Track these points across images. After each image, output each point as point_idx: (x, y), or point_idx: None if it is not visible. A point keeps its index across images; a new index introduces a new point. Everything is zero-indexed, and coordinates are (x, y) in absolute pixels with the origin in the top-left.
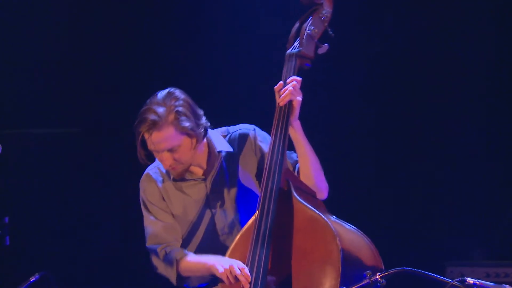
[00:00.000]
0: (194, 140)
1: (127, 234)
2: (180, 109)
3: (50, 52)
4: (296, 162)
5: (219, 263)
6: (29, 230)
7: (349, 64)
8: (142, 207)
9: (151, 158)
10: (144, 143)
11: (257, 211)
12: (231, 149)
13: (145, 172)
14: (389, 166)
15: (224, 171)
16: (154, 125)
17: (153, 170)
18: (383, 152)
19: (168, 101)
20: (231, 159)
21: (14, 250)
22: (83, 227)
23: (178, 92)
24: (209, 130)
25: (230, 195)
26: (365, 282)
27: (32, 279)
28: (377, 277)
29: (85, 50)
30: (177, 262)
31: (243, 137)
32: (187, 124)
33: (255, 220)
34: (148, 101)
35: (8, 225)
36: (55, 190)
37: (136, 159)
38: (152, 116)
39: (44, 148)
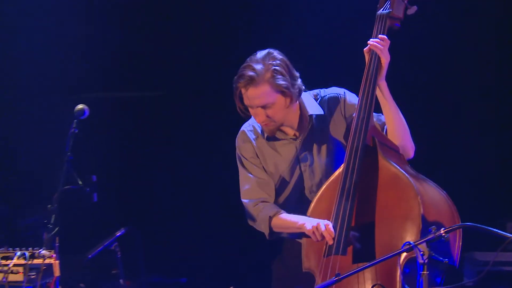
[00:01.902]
0: (288, 100)
1: (199, 187)
2: (277, 68)
3: (135, 18)
4: (384, 123)
5: (309, 222)
6: (115, 188)
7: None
8: (238, 162)
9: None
10: (241, 97)
11: (342, 166)
12: (322, 112)
13: (241, 130)
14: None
15: (314, 132)
16: (251, 81)
17: (248, 127)
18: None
19: (267, 60)
20: (322, 121)
21: (101, 206)
22: (166, 185)
23: (276, 53)
24: (303, 94)
25: (319, 155)
26: (430, 236)
27: (118, 233)
28: (442, 232)
29: (167, 16)
30: (270, 219)
31: (334, 100)
32: (282, 82)
33: (341, 175)
34: (248, 59)
35: (96, 183)
36: (138, 150)
37: (217, 121)
38: (250, 73)
39: (129, 111)
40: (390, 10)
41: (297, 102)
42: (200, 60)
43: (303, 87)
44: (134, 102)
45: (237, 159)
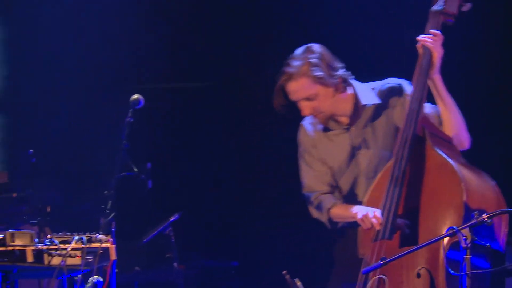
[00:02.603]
0: (329, 89)
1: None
2: (313, 60)
3: (187, 9)
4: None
5: (360, 211)
6: (169, 175)
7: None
8: (299, 156)
9: (288, 109)
10: (282, 94)
11: (393, 156)
12: (378, 101)
13: (300, 124)
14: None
15: (370, 122)
16: (290, 77)
17: (306, 121)
18: None
19: (304, 54)
20: (378, 110)
21: (156, 192)
22: (218, 171)
23: (315, 47)
24: (357, 83)
25: (375, 143)
26: (472, 222)
27: (172, 218)
28: (484, 217)
29: (218, 7)
30: (328, 210)
31: (392, 90)
32: (319, 73)
33: (392, 163)
34: (290, 56)
35: (150, 170)
36: (191, 138)
37: (269, 110)
38: (288, 69)
39: (182, 100)
40: (444, 6)
41: (349, 93)
42: (251, 50)
43: (351, 76)
44: (187, 92)
45: (298, 153)
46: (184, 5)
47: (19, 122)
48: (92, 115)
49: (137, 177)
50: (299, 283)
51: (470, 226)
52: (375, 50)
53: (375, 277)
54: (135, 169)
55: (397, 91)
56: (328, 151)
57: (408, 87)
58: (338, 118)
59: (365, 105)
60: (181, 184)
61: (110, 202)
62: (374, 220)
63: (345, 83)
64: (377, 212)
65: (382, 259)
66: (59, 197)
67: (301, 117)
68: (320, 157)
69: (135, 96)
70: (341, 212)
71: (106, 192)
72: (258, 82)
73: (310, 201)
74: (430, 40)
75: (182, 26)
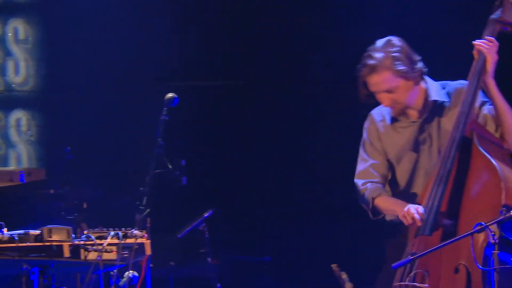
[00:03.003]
0: (409, 83)
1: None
2: (396, 54)
3: (222, 11)
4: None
5: (401, 207)
6: (203, 171)
7: None
8: (361, 144)
9: (372, 98)
10: (365, 85)
11: (441, 155)
12: (447, 100)
13: (369, 113)
14: None
15: (436, 118)
16: (373, 69)
17: (376, 111)
18: None
19: (386, 47)
20: (445, 108)
21: (190, 189)
22: (251, 168)
23: (395, 40)
24: (429, 79)
25: (438, 140)
26: (500, 218)
27: (206, 214)
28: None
29: (251, 6)
30: (373, 200)
31: (460, 91)
32: (402, 68)
33: (439, 163)
34: (368, 48)
35: (185, 167)
36: (224, 136)
37: (302, 107)
38: (370, 61)
39: (216, 98)
40: (501, 15)
41: (422, 87)
42: (284, 50)
43: (426, 69)
44: (221, 90)
45: (361, 141)
46: (218, 3)
47: (56, 120)
48: (127, 113)
49: (171, 174)
50: (345, 276)
51: (498, 222)
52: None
53: (416, 271)
54: (170, 166)
55: (463, 93)
56: (392, 142)
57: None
58: (408, 111)
59: (435, 101)
60: (215, 180)
61: (145, 198)
62: (416, 215)
63: (421, 76)
64: (420, 208)
65: (412, 254)
66: (95, 193)
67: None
68: (381, 148)
69: (170, 95)
70: (385, 204)
71: (141, 188)
72: (290, 81)
73: (359, 189)
74: (485, 46)
75: (216, 24)
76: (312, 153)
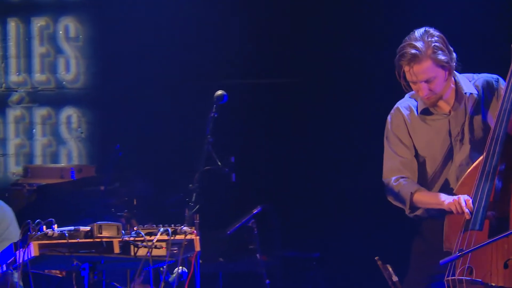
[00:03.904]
0: (447, 73)
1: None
2: (437, 44)
3: (270, 7)
4: None
5: (448, 197)
6: (252, 168)
7: None
8: (385, 138)
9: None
10: (404, 74)
11: (484, 152)
12: (475, 92)
13: (396, 106)
14: None
15: (468, 110)
16: (415, 58)
17: (403, 104)
18: None
19: (426, 37)
20: (475, 100)
21: (239, 185)
22: (299, 165)
23: (433, 30)
24: (457, 74)
25: (470, 132)
26: None
27: (255, 211)
28: None
29: (306, 6)
30: (412, 194)
31: (488, 84)
32: (443, 57)
33: (482, 159)
34: (407, 37)
35: (234, 164)
36: (273, 133)
37: (349, 105)
38: (412, 50)
39: (264, 96)
40: None
41: (454, 79)
42: (338, 47)
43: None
44: (270, 88)
45: (385, 136)
46: (269, 1)
47: (106, 117)
48: (177, 110)
49: (221, 171)
50: (390, 269)
51: None
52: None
53: (464, 267)
54: (219, 163)
55: (492, 85)
56: (423, 134)
57: (502, 83)
58: (440, 103)
59: (466, 93)
60: (264, 177)
61: (194, 195)
62: (466, 208)
63: (454, 68)
64: (470, 200)
65: (459, 251)
66: (145, 190)
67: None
68: (409, 142)
69: (219, 92)
70: (425, 198)
71: (191, 185)
72: (342, 79)
73: (391, 185)
74: None
75: (268, 22)
76: (363, 150)
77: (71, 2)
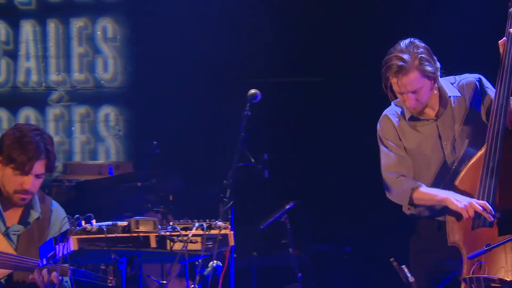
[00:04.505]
0: (432, 82)
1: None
2: (423, 55)
3: (304, 8)
4: None
5: (455, 198)
6: (285, 165)
7: None
8: (379, 142)
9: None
10: (391, 85)
11: (483, 148)
12: (459, 94)
13: (384, 114)
14: None
15: (453, 112)
16: (401, 70)
17: (391, 111)
18: None
19: (411, 48)
20: (459, 102)
21: (272, 182)
22: (330, 162)
23: (418, 41)
24: (439, 78)
25: (459, 133)
26: None
27: (288, 206)
28: None
29: (336, 5)
30: (412, 190)
31: (470, 84)
32: (429, 68)
33: (484, 156)
34: (392, 49)
35: (267, 161)
36: (304, 131)
37: (375, 103)
38: (399, 63)
39: (296, 94)
40: None
41: (437, 85)
42: (367, 46)
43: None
44: (301, 87)
45: (379, 139)
46: (300, 1)
47: (143, 115)
48: (212, 108)
49: (254, 167)
50: (406, 270)
51: None
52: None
53: (477, 264)
54: (253, 160)
55: (475, 85)
56: (414, 140)
57: (484, 81)
58: (426, 110)
59: (450, 96)
60: (296, 173)
61: (229, 191)
62: (484, 212)
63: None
64: (487, 204)
65: (487, 245)
66: (181, 186)
67: None
68: (402, 146)
69: (253, 91)
70: (426, 194)
71: (225, 181)
72: (372, 78)
73: (390, 182)
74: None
75: (298, 22)
76: None
77: (109, 4)
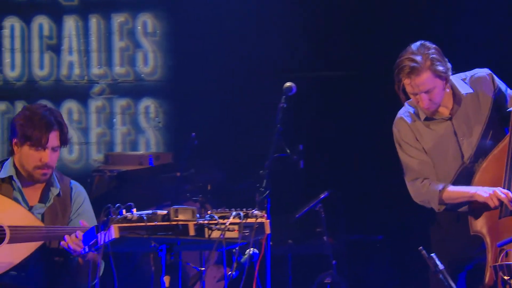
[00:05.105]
0: (444, 82)
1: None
2: (434, 56)
3: (337, 3)
4: None
5: (482, 190)
6: (320, 156)
7: None
8: (397, 146)
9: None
10: (403, 87)
11: (506, 138)
12: (471, 90)
13: (398, 116)
14: None
15: (467, 109)
16: (414, 71)
17: (405, 114)
18: None
19: (422, 50)
20: (473, 98)
21: (307, 172)
22: (364, 152)
23: (428, 43)
24: (451, 76)
25: (474, 128)
26: None
27: (322, 196)
28: None
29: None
30: (440, 192)
31: (482, 79)
32: (441, 68)
33: (508, 146)
34: (403, 52)
35: (302, 151)
36: (337, 122)
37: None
38: (412, 64)
39: (330, 88)
40: None
41: (450, 84)
42: (401, 39)
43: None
44: (335, 80)
45: (396, 143)
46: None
47: (182, 107)
48: (249, 101)
49: (290, 158)
50: (435, 258)
51: None
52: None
53: (505, 251)
54: (288, 151)
55: (486, 80)
56: (429, 139)
57: (494, 74)
58: (440, 109)
59: (463, 94)
60: (330, 164)
61: (265, 180)
62: (505, 199)
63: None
64: (510, 193)
65: None
66: (219, 176)
67: None
68: (421, 147)
69: (288, 84)
70: (454, 193)
71: (261, 171)
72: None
73: (417, 188)
74: None
75: (331, 17)
76: None
77: (148, 0)
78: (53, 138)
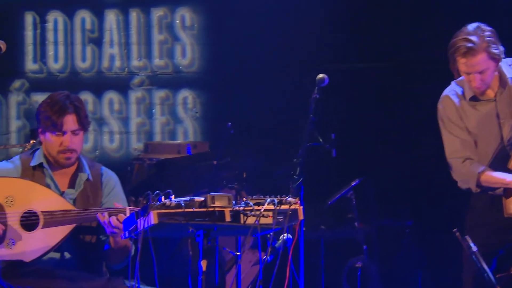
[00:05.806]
0: (496, 65)
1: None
2: (490, 38)
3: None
4: None
5: None
6: (351, 144)
7: None
8: (440, 123)
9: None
10: (458, 66)
11: None
12: None
13: (444, 94)
14: None
15: (511, 92)
16: (470, 51)
17: (451, 92)
18: None
19: (479, 31)
20: None
21: (339, 160)
22: (394, 140)
23: (484, 25)
24: None
25: None
26: None
27: (354, 183)
28: None
29: None
30: (479, 175)
31: None
32: (496, 51)
33: None
34: (459, 32)
35: (335, 140)
36: (370, 112)
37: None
38: (468, 44)
39: (361, 79)
40: None
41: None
42: (434, 31)
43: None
44: (366, 71)
45: (440, 121)
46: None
47: (219, 98)
48: (283, 92)
49: (322, 147)
50: (469, 240)
51: None
52: None
53: None
54: (321, 140)
55: None
56: (473, 119)
57: None
58: (487, 91)
59: (509, 78)
60: (362, 152)
61: (299, 168)
62: None
63: None
64: None
65: None
66: (254, 164)
67: None
68: (464, 126)
69: (321, 75)
70: (492, 178)
71: (295, 160)
72: (437, 62)
73: (457, 166)
74: None
75: (364, 9)
76: None
77: None
78: (69, 121)
